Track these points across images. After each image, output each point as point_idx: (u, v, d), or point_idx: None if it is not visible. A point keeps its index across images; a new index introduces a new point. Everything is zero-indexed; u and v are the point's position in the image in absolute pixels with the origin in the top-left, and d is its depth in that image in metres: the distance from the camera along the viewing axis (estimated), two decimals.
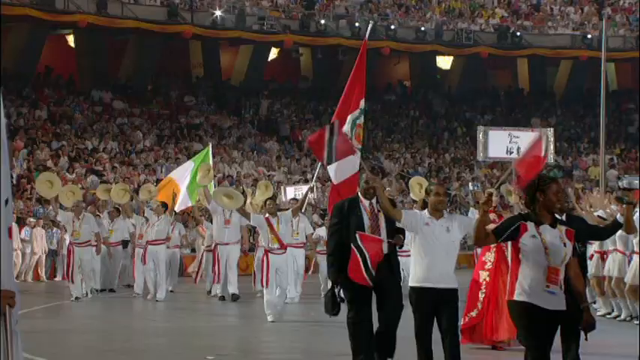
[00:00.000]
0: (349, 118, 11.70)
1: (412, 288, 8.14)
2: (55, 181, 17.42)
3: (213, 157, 32.12)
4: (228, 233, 17.26)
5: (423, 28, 37.89)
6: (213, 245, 17.56)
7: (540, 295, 6.35)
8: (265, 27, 35.30)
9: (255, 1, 36.50)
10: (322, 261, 18.30)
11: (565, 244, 6.42)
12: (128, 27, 33.48)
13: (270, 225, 14.00)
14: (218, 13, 34.65)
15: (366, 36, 13.11)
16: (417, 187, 16.92)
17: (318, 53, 40.77)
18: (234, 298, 17.25)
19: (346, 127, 11.60)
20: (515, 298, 6.44)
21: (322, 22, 36.53)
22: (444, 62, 43.05)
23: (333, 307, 8.73)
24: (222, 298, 17.39)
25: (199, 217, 20.77)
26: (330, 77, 40.68)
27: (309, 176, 31.87)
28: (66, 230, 19.41)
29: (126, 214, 19.71)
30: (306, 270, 19.01)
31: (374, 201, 8.63)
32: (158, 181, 28.83)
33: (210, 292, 18.38)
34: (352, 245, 8.41)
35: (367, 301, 8.55)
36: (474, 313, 10.93)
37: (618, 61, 38.73)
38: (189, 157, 31.61)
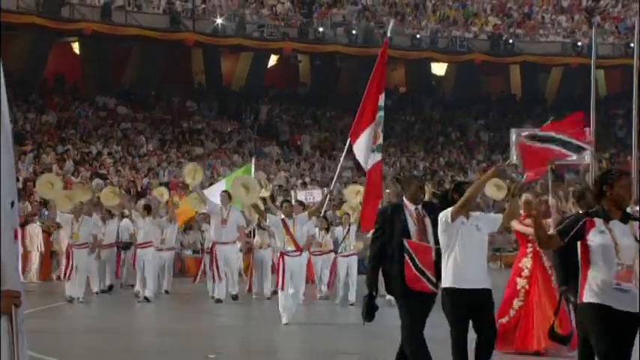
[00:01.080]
0: (377, 117, 11.71)
1: (447, 290, 7.67)
2: (55, 182, 17.14)
3: (213, 159, 32.24)
4: (225, 233, 16.84)
5: (418, 36, 37.91)
6: (210, 245, 17.25)
7: (611, 295, 5.80)
8: (265, 34, 35.31)
9: (255, 9, 36.51)
10: (317, 262, 18.02)
11: (637, 239, 5.89)
12: (132, 35, 33.48)
13: (286, 227, 13.61)
14: (219, 21, 34.65)
15: (388, 34, 13.13)
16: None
17: (316, 60, 40.79)
18: (234, 298, 17.03)
19: (379, 127, 11.65)
20: (585, 299, 5.90)
21: (320, 29, 36.53)
22: (439, 69, 43.05)
23: (369, 313, 8.07)
24: (219, 301, 16.77)
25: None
26: (328, 83, 40.75)
27: (307, 179, 31.87)
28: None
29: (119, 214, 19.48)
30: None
31: (419, 206, 8.07)
32: (161, 184, 28.86)
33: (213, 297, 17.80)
34: (405, 256, 7.84)
35: (420, 305, 7.89)
36: (504, 320, 10.35)
37: (607, 67, 38.75)
38: (191, 161, 31.62)
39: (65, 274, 17.26)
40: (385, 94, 45.18)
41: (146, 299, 17.25)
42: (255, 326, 14.27)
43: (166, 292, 19.07)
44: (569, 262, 7.35)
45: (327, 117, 39.10)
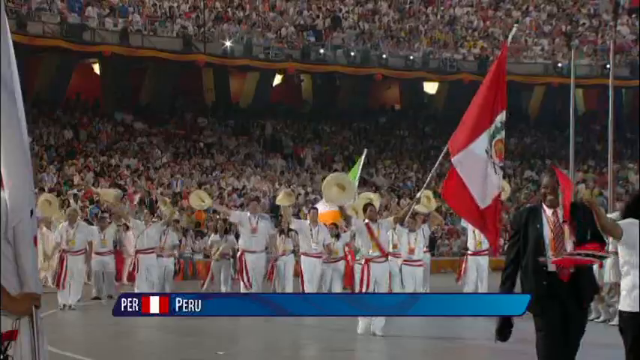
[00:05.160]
0: (484, 134, 9.73)
1: (633, 314, 5.96)
2: (52, 201, 16.29)
3: (223, 171, 32.21)
4: (255, 241, 15.40)
5: (411, 57, 37.92)
6: (239, 253, 15.67)
7: None
8: (270, 56, 35.33)
9: (262, 33, 36.54)
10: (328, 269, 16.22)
11: None
12: (147, 56, 33.51)
13: (370, 231, 11.95)
14: (228, 43, 34.68)
15: (508, 41, 11.10)
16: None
17: (317, 79, 40.82)
18: None
19: (483, 144, 9.63)
20: None
21: (321, 51, 36.56)
22: (431, 87, 43.06)
23: (502, 331, 6.35)
24: None
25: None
26: (329, 101, 40.77)
27: (309, 189, 31.80)
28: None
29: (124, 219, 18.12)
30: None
31: (559, 210, 6.45)
32: (175, 194, 28.81)
33: None
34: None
35: (555, 323, 6.28)
36: None
37: (585, 87, 38.76)
38: (202, 173, 31.65)
39: (59, 282, 15.59)
40: (381, 111, 44.37)
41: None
42: (264, 326, 14.09)
43: None
44: None
45: (327, 132, 39.09)
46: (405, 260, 15.02)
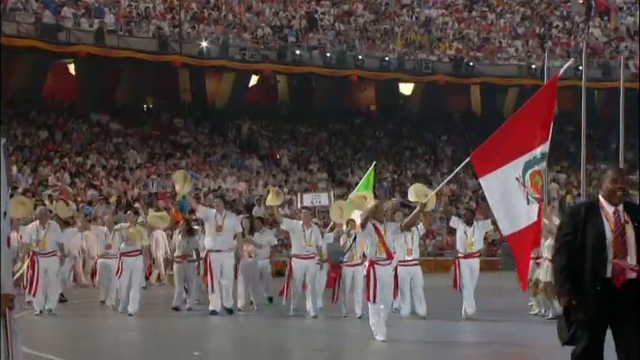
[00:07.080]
0: (520, 160, 9.12)
1: None
2: (26, 202, 15.51)
3: (199, 172, 32.13)
4: (220, 240, 14.63)
5: (387, 58, 38.02)
6: (204, 253, 14.96)
7: None
8: (246, 57, 35.29)
9: (237, 33, 36.50)
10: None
11: None
12: (123, 57, 33.35)
13: (378, 232, 11.33)
14: (204, 44, 34.62)
15: (559, 73, 10.65)
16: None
17: (293, 80, 40.83)
18: (230, 312, 14.66)
19: (515, 170, 9.08)
20: None
21: (297, 52, 36.57)
22: (406, 88, 43.18)
23: (570, 335, 5.91)
24: (214, 312, 14.49)
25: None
26: (305, 102, 40.79)
27: (285, 190, 31.79)
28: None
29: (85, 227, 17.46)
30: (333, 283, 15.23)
31: (620, 207, 5.84)
32: (150, 194, 28.72)
33: (177, 308, 15.41)
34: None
35: (601, 334, 5.85)
36: None
37: (559, 88, 38.63)
38: None
39: (31, 287, 14.53)
40: (357, 112, 44.30)
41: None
42: (240, 324, 14.03)
43: None
44: None
45: (303, 132, 39.11)
46: (400, 261, 14.04)
